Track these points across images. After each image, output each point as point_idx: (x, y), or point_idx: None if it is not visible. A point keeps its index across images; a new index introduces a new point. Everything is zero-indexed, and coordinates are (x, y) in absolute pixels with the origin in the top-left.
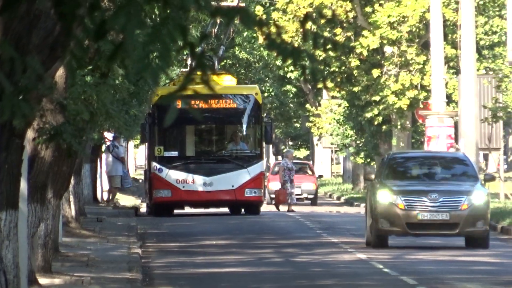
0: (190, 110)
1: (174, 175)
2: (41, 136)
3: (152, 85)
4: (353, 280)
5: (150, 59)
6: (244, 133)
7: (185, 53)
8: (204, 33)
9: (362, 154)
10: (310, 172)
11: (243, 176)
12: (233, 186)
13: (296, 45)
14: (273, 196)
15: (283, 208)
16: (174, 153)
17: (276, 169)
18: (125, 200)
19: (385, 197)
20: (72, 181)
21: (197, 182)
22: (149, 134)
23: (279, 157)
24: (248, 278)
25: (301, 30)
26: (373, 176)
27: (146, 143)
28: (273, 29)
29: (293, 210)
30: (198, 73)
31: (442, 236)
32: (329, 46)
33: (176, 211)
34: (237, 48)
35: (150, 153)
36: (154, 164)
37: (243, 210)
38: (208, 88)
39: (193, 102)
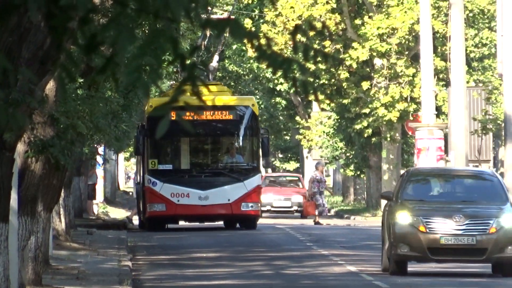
0: (181, 122)
1: (168, 188)
2: (32, 150)
3: (143, 98)
4: None
5: (140, 72)
6: (241, 145)
7: (176, 65)
8: (195, 45)
9: (352, 167)
10: (300, 185)
11: (239, 189)
12: (229, 200)
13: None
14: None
15: (309, 221)
16: (169, 166)
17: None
18: (116, 213)
19: (405, 218)
20: (62, 194)
21: (192, 196)
22: (143, 146)
23: (269, 170)
24: None
25: (290, 42)
26: (391, 196)
27: (139, 156)
28: (263, 41)
29: (319, 223)
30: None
31: (467, 263)
32: (319, 58)
33: (169, 226)
34: (226, 61)
35: (144, 166)
36: (148, 177)
37: (238, 224)
38: (199, 100)
39: (188, 113)
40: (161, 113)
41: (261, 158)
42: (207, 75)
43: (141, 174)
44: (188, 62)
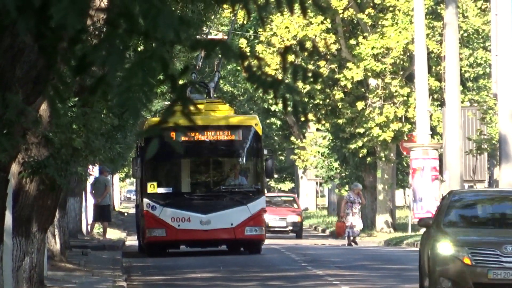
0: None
1: (168, 213)
2: (26, 170)
3: (133, 119)
4: None
5: (130, 93)
6: (244, 166)
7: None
8: (187, 65)
9: (346, 187)
10: (295, 205)
11: (243, 213)
12: (232, 224)
13: (280, 77)
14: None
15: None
16: (168, 189)
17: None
18: (111, 233)
19: (447, 249)
20: (57, 215)
21: (194, 220)
22: (141, 168)
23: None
24: None
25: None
26: (430, 222)
27: (137, 179)
28: (254, 62)
29: (351, 244)
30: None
31: None
32: (310, 77)
33: (170, 250)
34: (221, 81)
35: (142, 189)
36: (147, 201)
37: (242, 248)
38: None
39: (187, 133)
40: (152, 134)
41: (265, 180)
42: (208, 92)
43: (140, 198)
44: (180, 82)
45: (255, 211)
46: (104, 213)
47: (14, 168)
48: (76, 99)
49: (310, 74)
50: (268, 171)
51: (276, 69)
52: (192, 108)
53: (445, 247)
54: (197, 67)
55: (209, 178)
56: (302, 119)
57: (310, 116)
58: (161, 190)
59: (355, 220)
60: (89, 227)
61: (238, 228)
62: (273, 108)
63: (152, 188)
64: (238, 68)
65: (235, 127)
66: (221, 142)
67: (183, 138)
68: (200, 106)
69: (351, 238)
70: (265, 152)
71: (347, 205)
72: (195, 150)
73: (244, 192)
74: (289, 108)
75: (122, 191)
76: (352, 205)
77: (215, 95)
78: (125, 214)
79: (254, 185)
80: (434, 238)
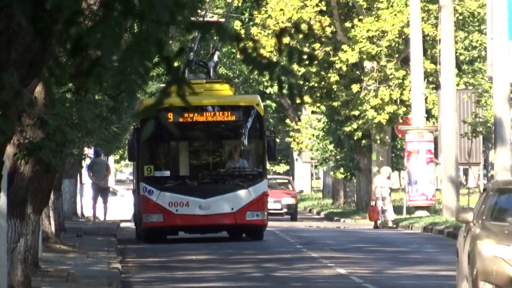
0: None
1: (166, 197)
2: (21, 152)
3: (129, 101)
4: None
5: (125, 75)
6: (245, 149)
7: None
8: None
9: (341, 169)
10: (290, 187)
11: (244, 197)
12: (233, 209)
13: (274, 59)
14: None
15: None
16: (166, 173)
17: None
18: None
19: (490, 249)
20: (52, 197)
21: (192, 205)
22: (137, 151)
23: None
24: None
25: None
26: (469, 217)
27: (134, 162)
28: (249, 44)
29: (378, 227)
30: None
31: None
32: (305, 60)
33: (169, 237)
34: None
35: (139, 172)
36: (143, 185)
37: (244, 234)
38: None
39: (186, 114)
40: (146, 115)
41: (267, 163)
42: (207, 72)
43: (137, 182)
44: (175, 64)
45: (256, 195)
46: (103, 196)
47: (9, 150)
48: (71, 84)
49: (305, 56)
50: (270, 153)
51: (271, 52)
52: (187, 89)
53: (488, 247)
54: (194, 48)
55: (209, 161)
56: (298, 101)
57: (306, 98)
58: (158, 173)
59: (386, 204)
60: (83, 209)
61: (239, 213)
62: (268, 90)
63: (149, 171)
64: (234, 50)
65: (236, 107)
66: (221, 123)
67: (181, 120)
68: (200, 86)
69: (382, 222)
70: (267, 133)
71: (377, 190)
72: (194, 132)
73: (245, 175)
74: (285, 91)
75: (117, 173)
76: (382, 189)
77: (215, 75)
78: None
79: (256, 168)
80: (475, 235)
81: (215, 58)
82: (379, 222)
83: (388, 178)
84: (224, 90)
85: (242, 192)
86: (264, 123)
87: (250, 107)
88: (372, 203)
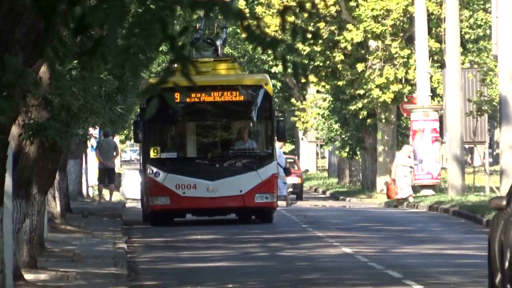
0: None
1: (173, 179)
2: (26, 132)
3: (133, 80)
4: (338, 274)
5: (129, 54)
6: (253, 129)
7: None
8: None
9: (347, 148)
10: (295, 167)
11: (252, 179)
12: (241, 191)
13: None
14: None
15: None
16: (173, 154)
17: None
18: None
19: None
20: (57, 177)
21: (200, 187)
22: (143, 132)
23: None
24: (233, 272)
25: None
26: (503, 203)
27: (139, 143)
28: (253, 22)
29: (397, 206)
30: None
31: None
32: (309, 38)
33: (176, 219)
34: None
35: (145, 154)
36: (150, 167)
37: (253, 217)
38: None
39: (193, 94)
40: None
41: (276, 144)
42: (215, 50)
43: (143, 164)
44: (179, 42)
45: (265, 177)
46: (110, 176)
47: (14, 130)
48: (75, 62)
49: (309, 35)
50: (279, 134)
51: (275, 31)
52: (193, 68)
53: None
54: (201, 26)
55: (217, 142)
56: (303, 80)
57: (311, 78)
58: (165, 155)
59: (406, 183)
60: (90, 189)
61: (247, 195)
62: (273, 70)
63: (155, 153)
64: (238, 30)
65: (244, 87)
66: (229, 103)
67: (188, 100)
68: (207, 65)
69: (401, 200)
70: (276, 114)
71: (397, 168)
72: (201, 112)
73: (254, 156)
74: (289, 70)
75: (122, 153)
76: (403, 168)
77: (223, 54)
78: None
79: (265, 149)
80: (509, 223)
81: (223, 35)
82: (399, 199)
83: (409, 157)
84: (232, 69)
85: (250, 174)
86: (273, 103)
87: (259, 86)
88: (391, 181)
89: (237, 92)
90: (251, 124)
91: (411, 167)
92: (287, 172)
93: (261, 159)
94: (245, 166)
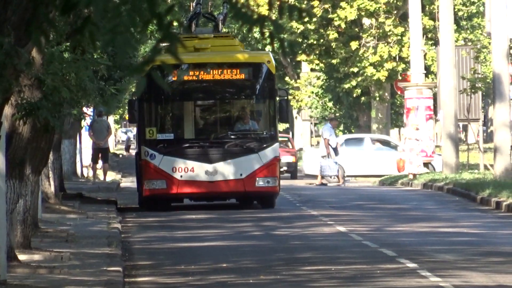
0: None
1: (169, 162)
2: (19, 112)
3: (121, 58)
4: (332, 253)
5: (116, 33)
6: (255, 110)
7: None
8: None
9: (341, 127)
10: (290, 145)
11: (253, 162)
12: (241, 174)
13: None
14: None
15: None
16: (170, 136)
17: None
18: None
19: None
20: (51, 157)
21: (198, 170)
22: (139, 112)
23: None
24: (227, 252)
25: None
26: None
27: (135, 123)
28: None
29: (413, 175)
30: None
31: None
32: (298, 16)
33: (173, 204)
34: (210, 25)
35: (140, 135)
36: (145, 148)
37: (255, 202)
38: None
39: (191, 72)
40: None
41: (278, 125)
42: (216, 26)
43: (138, 145)
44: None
45: (267, 160)
46: (104, 156)
47: (7, 110)
48: (67, 44)
49: (296, 13)
50: (282, 114)
51: (268, 9)
52: (190, 45)
53: None
54: (198, 3)
55: (216, 122)
56: (295, 58)
57: (301, 56)
58: (161, 136)
59: (412, 156)
60: (84, 169)
61: (248, 179)
62: (267, 49)
63: (151, 134)
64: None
65: (245, 64)
66: (229, 81)
67: (185, 78)
68: (207, 42)
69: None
70: (279, 93)
71: (405, 141)
72: (199, 91)
73: (255, 138)
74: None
75: (117, 133)
76: (410, 141)
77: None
78: (120, 156)
79: (267, 130)
80: None
81: (224, 10)
82: (414, 174)
83: (417, 129)
84: (233, 45)
85: (251, 157)
86: (276, 82)
87: (261, 64)
88: (400, 154)
89: (238, 70)
90: (253, 104)
91: (416, 140)
92: (336, 152)
93: (263, 141)
94: (246, 148)
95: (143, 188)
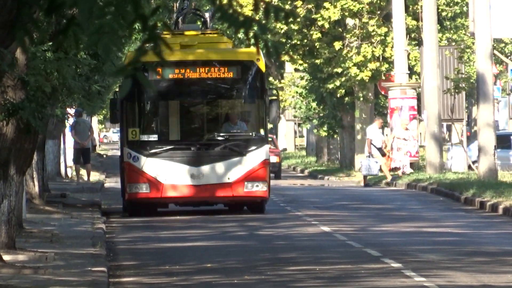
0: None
1: (153, 165)
2: (2, 113)
3: (105, 59)
4: (317, 253)
5: (101, 34)
6: (244, 110)
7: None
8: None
9: (325, 127)
10: (273, 146)
11: (242, 165)
12: (229, 178)
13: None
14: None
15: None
16: (154, 137)
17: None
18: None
19: None
20: (35, 157)
21: (183, 173)
22: (121, 112)
23: None
24: (212, 252)
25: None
26: None
27: (117, 124)
28: (225, 1)
29: (397, 174)
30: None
31: None
32: (283, 16)
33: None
34: (199, 22)
35: (123, 136)
36: (128, 150)
37: (245, 207)
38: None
39: (177, 70)
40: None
41: (268, 126)
42: (204, 22)
43: (121, 147)
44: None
45: (256, 163)
46: (85, 156)
47: None
48: (50, 43)
49: (282, 14)
50: (272, 115)
51: (252, 10)
52: (174, 43)
53: None
54: (174, 7)
55: (203, 123)
56: (274, 58)
57: (284, 57)
58: (145, 137)
59: (401, 156)
60: (68, 169)
61: (236, 183)
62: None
63: (134, 135)
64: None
65: (234, 62)
66: (217, 80)
67: (171, 76)
68: (194, 38)
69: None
70: (270, 93)
71: (394, 141)
72: (185, 90)
73: (244, 140)
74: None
75: (101, 133)
76: (398, 140)
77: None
78: (104, 156)
79: (256, 132)
80: None
81: (213, 7)
82: (396, 172)
83: (407, 129)
84: (221, 42)
85: (240, 160)
86: (266, 81)
87: (250, 62)
88: (388, 154)
89: (226, 68)
90: (241, 103)
91: (404, 139)
92: (382, 152)
93: (252, 143)
94: (234, 150)
95: (125, 192)
